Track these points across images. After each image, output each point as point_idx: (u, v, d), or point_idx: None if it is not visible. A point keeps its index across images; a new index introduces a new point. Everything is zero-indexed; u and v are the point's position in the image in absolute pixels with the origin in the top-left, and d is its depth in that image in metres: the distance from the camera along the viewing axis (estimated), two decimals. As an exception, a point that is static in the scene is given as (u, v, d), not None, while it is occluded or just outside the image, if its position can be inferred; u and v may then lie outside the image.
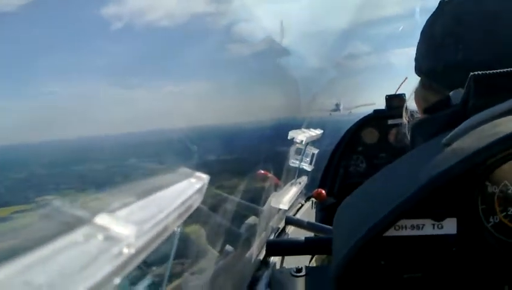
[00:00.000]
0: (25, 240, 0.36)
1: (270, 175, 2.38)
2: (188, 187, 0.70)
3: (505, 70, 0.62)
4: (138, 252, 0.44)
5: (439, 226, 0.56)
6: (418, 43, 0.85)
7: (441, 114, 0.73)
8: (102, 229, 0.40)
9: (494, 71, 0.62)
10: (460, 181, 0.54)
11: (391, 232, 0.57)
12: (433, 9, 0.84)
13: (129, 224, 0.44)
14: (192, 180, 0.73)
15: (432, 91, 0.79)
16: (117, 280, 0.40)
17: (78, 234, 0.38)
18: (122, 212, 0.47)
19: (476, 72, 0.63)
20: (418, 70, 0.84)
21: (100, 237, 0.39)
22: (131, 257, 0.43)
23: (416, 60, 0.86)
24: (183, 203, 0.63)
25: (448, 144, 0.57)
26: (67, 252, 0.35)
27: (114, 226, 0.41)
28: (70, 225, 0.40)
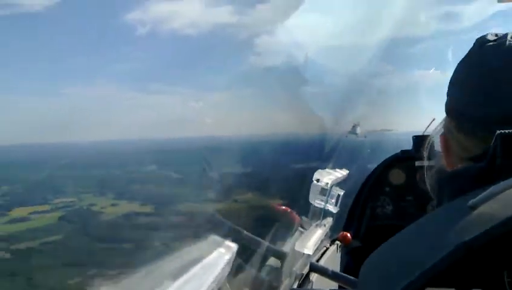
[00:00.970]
0: None
1: (290, 211, 2.34)
2: (218, 258, 0.74)
3: None
4: None
5: None
6: (457, 83, 0.81)
7: (469, 170, 0.71)
8: None
9: None
10: (486, 250, 0.52)
11: None
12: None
13: None
14: (222, 250, 0.77)
15: (476, 140, 0.74)
16: None
17: None
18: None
19: (503, 131, 0.62)
20: (458, 114, 0.79)
21: None
22: None
23: (454, 102, 0.81)
24: (215, 278, 0.68)
25: (474, 208, 0.56)
26: None
27: None
28: None
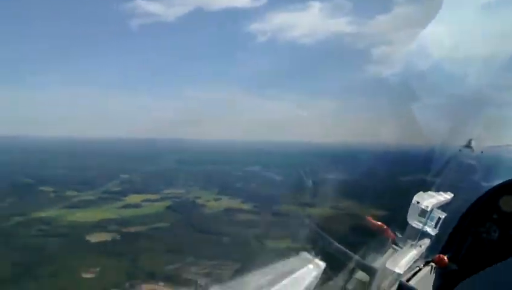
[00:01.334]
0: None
1: (386, 228, 2.32)
2: (307, 274, 0.83)
3: None
4: None
5: None
6: None
7: None
8: None
9: None
10: None
11: None
12: None
13: None
14: (311, 266, 0.86)
15: None
16: None
17: None
18: None
19: None
20: None
21: None
22: None
23: None
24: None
25: None
26: None
27: None
28: None
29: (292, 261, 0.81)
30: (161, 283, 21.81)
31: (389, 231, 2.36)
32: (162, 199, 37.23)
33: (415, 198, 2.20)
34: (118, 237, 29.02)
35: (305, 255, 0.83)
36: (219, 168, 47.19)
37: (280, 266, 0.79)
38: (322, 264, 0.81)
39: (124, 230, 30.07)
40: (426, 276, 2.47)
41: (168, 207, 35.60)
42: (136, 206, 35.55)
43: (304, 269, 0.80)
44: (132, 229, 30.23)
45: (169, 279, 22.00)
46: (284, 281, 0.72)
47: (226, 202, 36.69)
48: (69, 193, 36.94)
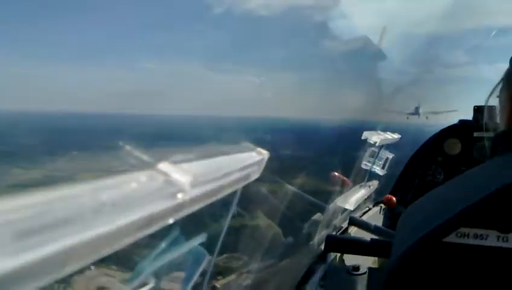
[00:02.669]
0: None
1: (341, 176, 2.32)
2: (248, 158, 0.74)
3: None
4: (193, 200, 0.49)
5: (505, 238, 0.52)
6: None
7: None
8: (164, 174, 0.46)
9: None
10: None
11: (453, 239, 0.54)
12: None
13: (188, 175, 0.49)
14: (253, 154, 0.77)
15: None
16: (170, 220, 0.45)
17: (142, 174, 0.44)
18: (185, 165, 0.52)
19: None
20: None
21: (160, 179, 0.45)
22: (185, 203, 0.48)
23: None
24: (241, 169, 0.67)
25: None
26: (131, 185, 0.41)
27: (174, 173, 0.47)
28: (136, 166, 0.46)
29: (233, 147, 0.71)
30: (113, 267, 21.40)
31: (347, 180, 2.37)
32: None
33: (364, 135, 2.22)
34: None
35: (247, 144, 0.74)
36: (176, 143, 46.66)
37: (221, 148, 0.69)
38: (266, 153, 0.72)
39: None
40: (375, 216, 2.52)
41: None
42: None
43: (246, 154, 0.70)
44: None
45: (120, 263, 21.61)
46: (223, 157, 0.62)
47: None
48: (15, 169, 35.20)
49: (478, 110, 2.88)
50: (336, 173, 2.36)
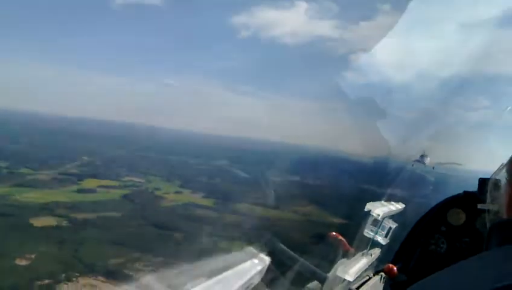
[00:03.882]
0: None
1: (341, 239, 2.34)
2: (251, 268, 0.82)
3: None
4: None
5: None
6: None
7: None
8: None
9: None
10: None
11: None
12: None
13: None
14: (255, 261, 0.85)
15: None
16: None
17: None
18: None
19: None
20: None
21: None
22: None
23: None
24: (244, 284, 0.75)
25: None
26: None
27: None
28: None
29: (236, 254, 0.79)
30: (100, 278, 20.65)
31: (346, 243, 2.39)
32: (119, 187, 35.79)
33: (367, 206, 2.25)
34: (64, 222, 27.59)
35: (250, 249, 0.82)
36: (185, 160, 46.40)
37: (223, 259, 0.77)
38: (267, 259, 0.80)
39: (72, 216, 28.58)
40: (376, 285, 2.52)
41: (124, 196, 34.32)
42: (91, 191, 33.98)
43: (248, 263, 0.78)
44: (81, 216, 28.77)
45: (109, 274, 20.87)
46: (226, 273, 0.70)
47: (186, 195, 35.89)
48: (23, 170, 35.25)
49: (483, 182, 2.88)
50: (334, 233, 2.38)
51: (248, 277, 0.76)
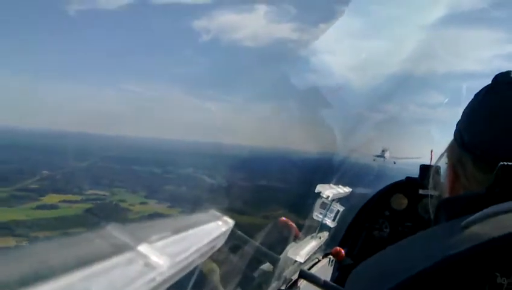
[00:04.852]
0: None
1: (291, 224, 2.37)
2: (215, 229, 0.82)
3: None
4: (165, 281, 0.55)
5: None
6: (473, 118, 0.81)
7: (466, 196, 0.74)
8: (143, 256, 0.53)
9: None
10: (471, 267, 0.54)
11: None
12: None
13: (164, 255, 0.56)
14: (220, 223, 0.85)
15: (487, 174, 0.72)
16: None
17: (122, 258, 0.51)
18: (160, 244, 0.60)
19: (505, 163, 0.65)
20: (472, 148, 0.78)
21: (141, 262, 0.51)
22: (161, 285, 0.54)
23: (468, 136, 0.80)
24: (208, 243, 0.75)
25: (466, 227, 0.58)
26: (112, 271, 0.48)
27: (152, 255, 0.53)
28: (117, 249, 0.52)
29: (199, 215, 0.79)
30: None
31: (296, 228, 2.44)
32: (82, 201, 34.33)
33: (317, 188, 2.32)
34: (24, 242, 25.34)
35: (214, 212, 0.82)
36: (150, 169, 45.33)
37: (186, 219, 0.76)
38: (231, 222, 0.80)
39: (33, 235, 26.99)
40: (324, 267, 2.62)
41: (88, 210, 32.98)
42: (53, 207, 32.72)
43: (212, 224, 0.78)
44: (42, 234, 27.16)
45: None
46: (190, 231, 0.69)
47: (152, 206, 35.07)
48: (-23, 187, 33.48)
49: (424, 168, 2.99)
50: (284, 218, 2.42)
51: (212, 237, 0.76)
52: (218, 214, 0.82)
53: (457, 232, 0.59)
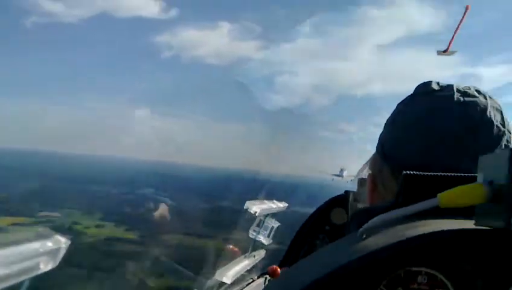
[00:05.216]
0: None
1: (234, 249, 2.36)
2: (40, 248, 0.79)
3: (432, 174, 0.64)
4: None
5: None
6: (391, 127, 0.82)
7: (376, 207, 0.74)
8: None
9: (424, 173, 0.64)
10: (360, 277, 0.54)
11: None
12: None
13: None
14: (49, 243, 0.82)
15: (398, 182, 0.73)
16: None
17: None
18: None
19: (408, 172, 0.65)
20: (386, 156, 0.80)
21: None
22: None
23: (386, 144, 0.81)
24: (29, 259, 0.72)
25: (365, 237, 0.59)
26: None
27: None
28: None
29: (29, 234, 0.77)
30: None
31: (238, 251, 2.41)
32: (34, 223, 32.76)
33: (246, 204, 2.26)
34: None
35: (46, 230, 0.79)
36: (107, 189, 43.63)
37: (16, 236, 0.74)
38: (65, 241, 0.77)
39: None
40: (259, 287, 2.50)
41: (38, 234, 31.21)
42: (2, 231, 30.75)
43: (39, 243, 0.76)
44: None
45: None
46: (14, 248, 0.67)
47: (108, 229, 32.93)
48: None
49: (361, 181, 3.10)
50: (231, 246, 2.40)
51: (35, 255, 0.73)
52: (51, 232, 0.80)
53: (355, 242, 0.59)
